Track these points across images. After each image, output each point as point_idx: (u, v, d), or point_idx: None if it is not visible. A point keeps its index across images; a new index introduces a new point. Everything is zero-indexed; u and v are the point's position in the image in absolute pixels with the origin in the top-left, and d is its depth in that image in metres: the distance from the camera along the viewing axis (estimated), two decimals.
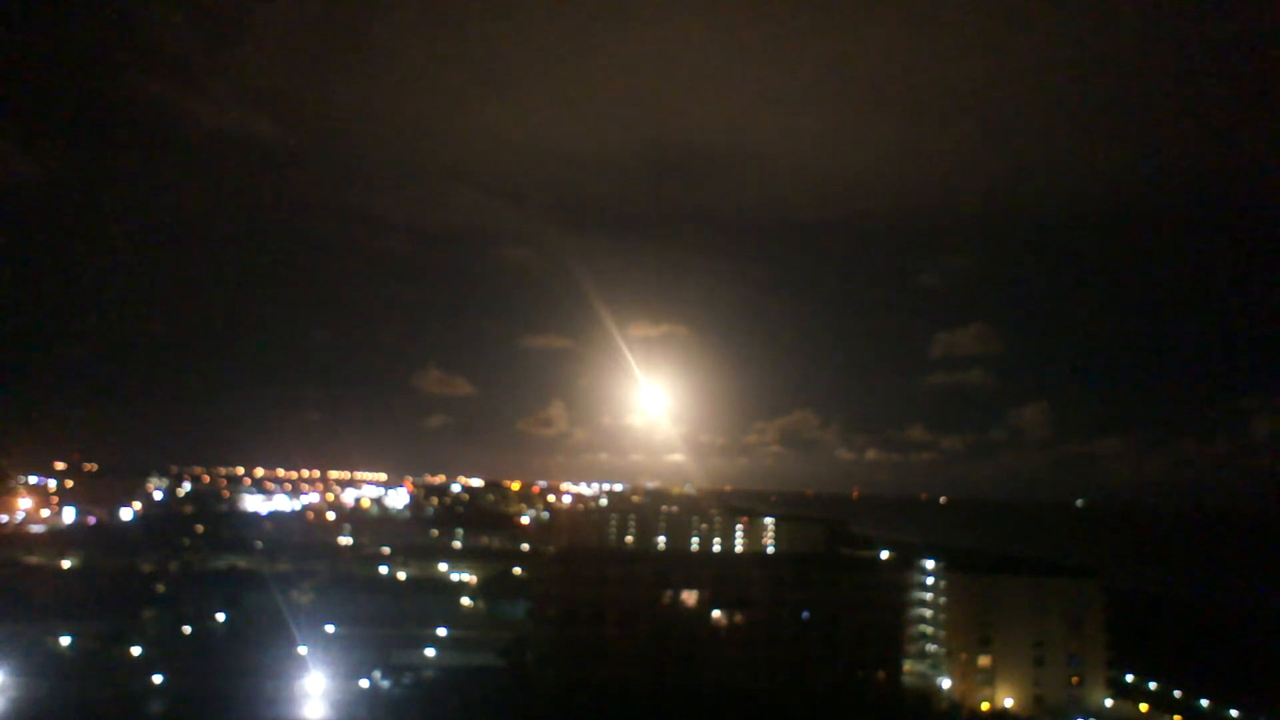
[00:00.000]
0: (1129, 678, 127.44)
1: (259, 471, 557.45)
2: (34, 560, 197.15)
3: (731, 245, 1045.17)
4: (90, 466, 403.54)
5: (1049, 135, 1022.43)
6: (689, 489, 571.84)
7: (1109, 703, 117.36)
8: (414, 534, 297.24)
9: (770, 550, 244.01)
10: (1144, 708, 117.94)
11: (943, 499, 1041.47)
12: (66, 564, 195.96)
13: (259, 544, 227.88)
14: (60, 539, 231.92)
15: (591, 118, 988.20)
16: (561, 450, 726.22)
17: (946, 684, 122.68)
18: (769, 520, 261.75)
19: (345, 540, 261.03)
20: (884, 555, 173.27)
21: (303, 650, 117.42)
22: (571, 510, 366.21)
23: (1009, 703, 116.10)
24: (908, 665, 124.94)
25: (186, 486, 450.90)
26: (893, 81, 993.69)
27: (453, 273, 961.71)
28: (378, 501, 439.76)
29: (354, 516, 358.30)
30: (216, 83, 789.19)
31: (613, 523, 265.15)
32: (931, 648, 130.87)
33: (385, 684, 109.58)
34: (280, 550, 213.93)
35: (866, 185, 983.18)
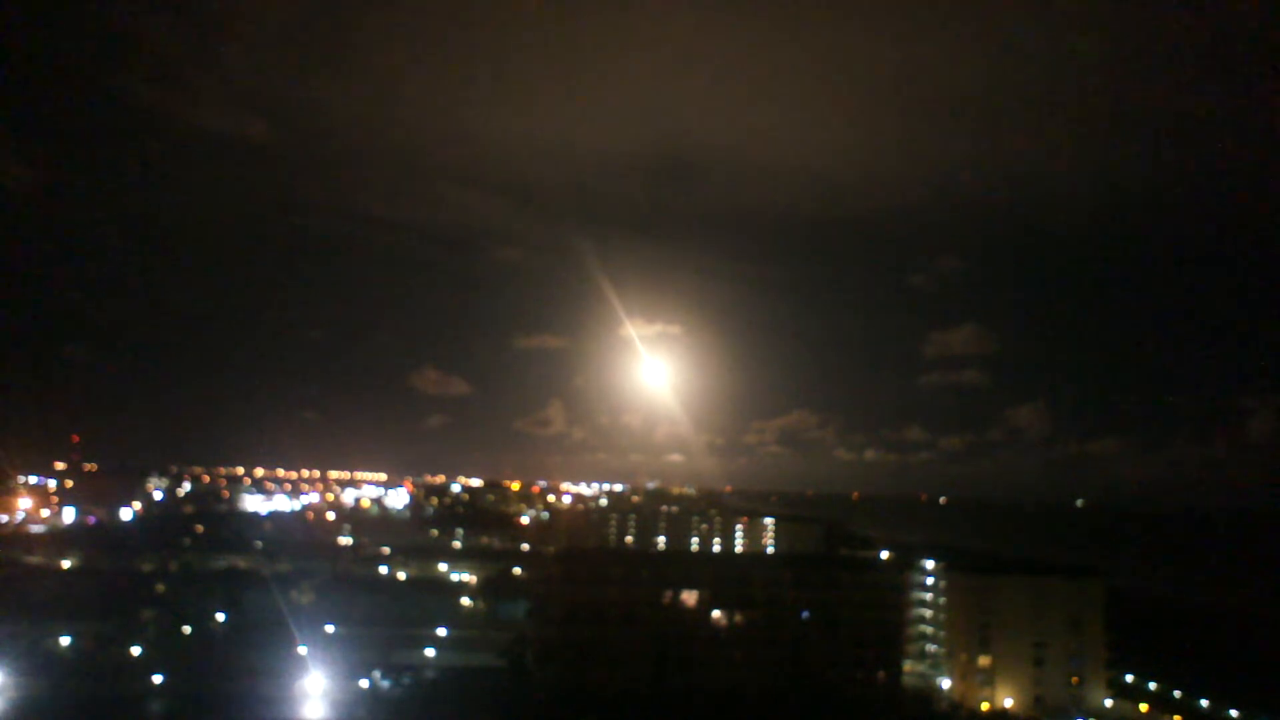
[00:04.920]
0: (1129, 678, 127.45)
1: (259, 471, 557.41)
2: (34, 560, 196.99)
3: (727, 245, 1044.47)
4: (90, 466, 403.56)
5: (1044, 135, 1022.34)
6: (688, 489, 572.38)
7: (1109, 703, 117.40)
8: (414, 534, 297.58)
9: (770, 550, 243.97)
10: (1144, 708, 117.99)
11: (942, 499, 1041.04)
12: (66, 564, 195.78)
13: (259, 544, 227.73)
14: (60, 539, 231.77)
15: (589, 117, 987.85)
16: (560, 450, 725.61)
17: (946, 684, 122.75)
18: (769, 520, 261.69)
19: (345, 540, 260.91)
20: (884, 555, 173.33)
21: (303, 650, 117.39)
22: (571, 510, 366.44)
23: (1009, 703, 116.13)
24: (908, 665, 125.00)
25: (186, 486, 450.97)
26: (889, 83, 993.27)
27: (449, 273, 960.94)
28: (378, 501, 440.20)
29: (354, 516, 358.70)
30: (209, 84, 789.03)
31: (613, 523, 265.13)
32: (931, 648, 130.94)
33: (385, 684, 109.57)
34: (280, 550, 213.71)
35: (862, 186, 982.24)
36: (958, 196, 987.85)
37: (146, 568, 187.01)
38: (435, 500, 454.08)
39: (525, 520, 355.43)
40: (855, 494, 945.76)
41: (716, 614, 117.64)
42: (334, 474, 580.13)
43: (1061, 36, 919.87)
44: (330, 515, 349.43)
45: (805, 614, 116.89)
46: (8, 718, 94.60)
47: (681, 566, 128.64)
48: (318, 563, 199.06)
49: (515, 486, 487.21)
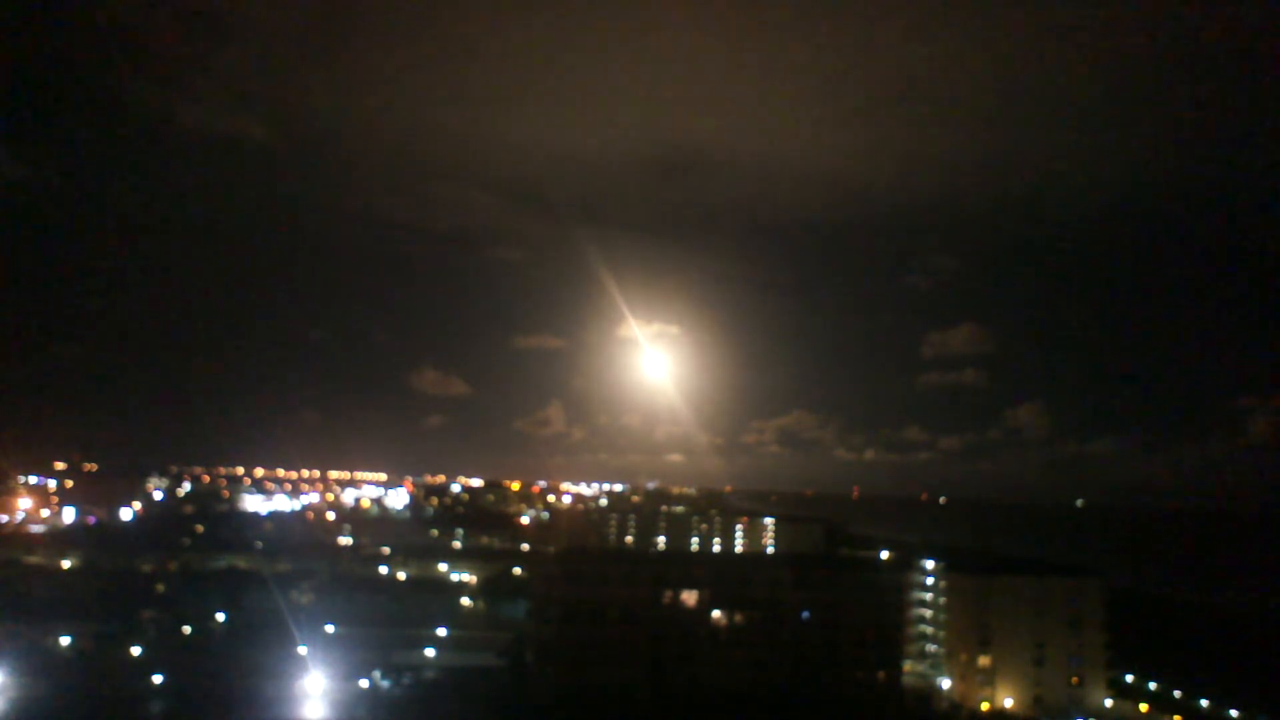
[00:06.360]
0: (1129, 678, 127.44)
1: (259, 471, 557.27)
2: (34, 560, 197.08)
3: (727, 245, 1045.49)
4: (90, 466, 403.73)
5: (1042, 135, 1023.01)
6: (689, 489, 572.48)
7: (1109, 703, 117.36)
8: (414, 534, 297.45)
9: (770, 550, 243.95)
10: (1144, 708, 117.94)
11: (942, 499, 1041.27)
12: (66, 564, 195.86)
13: (259, 544, 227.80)
14: (60, 539, 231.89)
15: (589, 118, 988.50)
16: (560, 450, 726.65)
17: (946, 684, 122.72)
18: (769, 520, 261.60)
19: (345, 540, 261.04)
20: (884, 555, 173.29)
21: (303, 650, 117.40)
22: (571, 510, 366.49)
23: (1009, 703, 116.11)
24: (908, 665, 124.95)
25: (186, 486, 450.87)
26: (886, 84, 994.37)
27: (449, 272, 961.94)
28: (378, 501, 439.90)
29: (354, 516, 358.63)
30: (208, 84, 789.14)
31: (613, 523, 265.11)
32: (931, 648, 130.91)
33: (385, 684, 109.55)
34: (280, 550, 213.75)
35: (860, 186, 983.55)
36: (956, 196, 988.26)
37: (146, 568, 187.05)
38: (435, 500, 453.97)
39: (525, 520, 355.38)
40: (855, 494, 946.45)
41: (716, 614, 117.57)
42: (334, 474, 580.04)
43: (1060, 37, 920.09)
44: (330, 515, 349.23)
45: (805, 614, 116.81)
46: (8, 718, 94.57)
47: (681, 566, 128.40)
48: (318, 563, 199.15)
49: (515, 486, 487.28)
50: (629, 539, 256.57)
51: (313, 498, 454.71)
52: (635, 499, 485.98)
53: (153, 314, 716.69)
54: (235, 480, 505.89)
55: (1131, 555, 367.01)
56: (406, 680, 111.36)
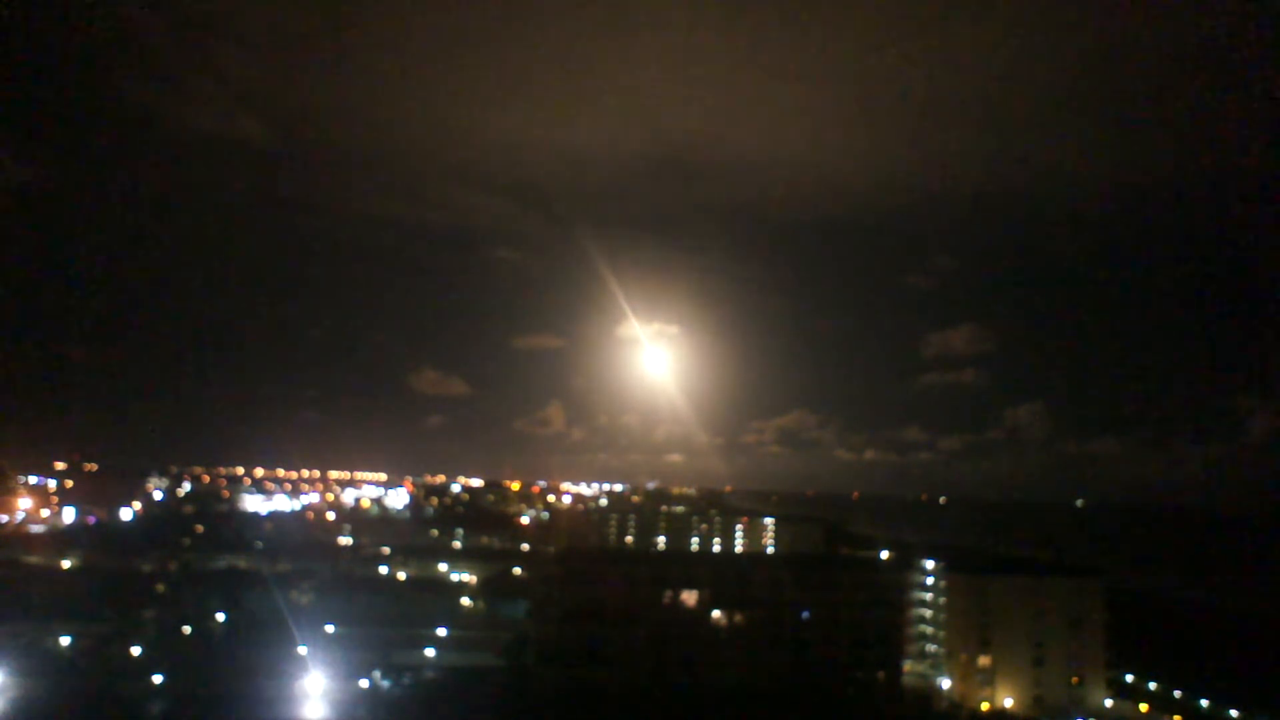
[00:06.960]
0: (1129, 678, 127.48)
1: (259, 471, 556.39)
2: (34, 560, 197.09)
3: (726, 244, 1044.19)
4: (90, 466, 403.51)
5: (1042, 135, 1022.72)
6: (689, 489, 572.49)
7: (1109, 703, 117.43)
8: (414, 534, 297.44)
9: (770, 550, 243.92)
10: (1144, 708, 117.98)
11: (942, 499, 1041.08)
12: (66, 564, 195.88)
13: (259, 544, 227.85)
14: (60, 539, 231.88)
15: (589, 117, 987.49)
16: (560, 450, 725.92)
17: (946, 684, 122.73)
18: (769, 520, 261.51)
19: (345, 540, 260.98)
20: (884, 555, 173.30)
21: (303, 650, 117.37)
22: (571, 510, 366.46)
23: (1009, 703, 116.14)
24: (908, 665, 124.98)
25: (186, 486, 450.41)
26: (886, 84, 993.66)
27: (449, 272, 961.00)
28: (378, 501, 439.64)
29: (354, 516, 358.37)
30: (208, 85, 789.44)
31: (613, 523, 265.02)
32: (931, 648, 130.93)
33: (385, 684, 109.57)
34: (280, 550, 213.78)
35: (861, 186, 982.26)
36: (956, 196, 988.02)
37: (146, 568, 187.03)
38: (435, 500, 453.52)
39: (525, 520, 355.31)
40: (855, 494, 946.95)
41: (716, 614, 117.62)
42: (334, 474, 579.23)
43: (1059, 37, 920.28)
44: (330, 515, 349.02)
45: (805, 614, 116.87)
46: (8, 718, 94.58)
47: (681, 566, 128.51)
48: (318, 563, 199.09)
49: (515, 486, 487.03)
50: (629, 539, 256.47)
51: (313, 498, 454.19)
52: (635, 499, 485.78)
53: (153, 314, 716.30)
54: (235, 480, 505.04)
55: (1131, 555, 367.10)
56: (406, 680, 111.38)
